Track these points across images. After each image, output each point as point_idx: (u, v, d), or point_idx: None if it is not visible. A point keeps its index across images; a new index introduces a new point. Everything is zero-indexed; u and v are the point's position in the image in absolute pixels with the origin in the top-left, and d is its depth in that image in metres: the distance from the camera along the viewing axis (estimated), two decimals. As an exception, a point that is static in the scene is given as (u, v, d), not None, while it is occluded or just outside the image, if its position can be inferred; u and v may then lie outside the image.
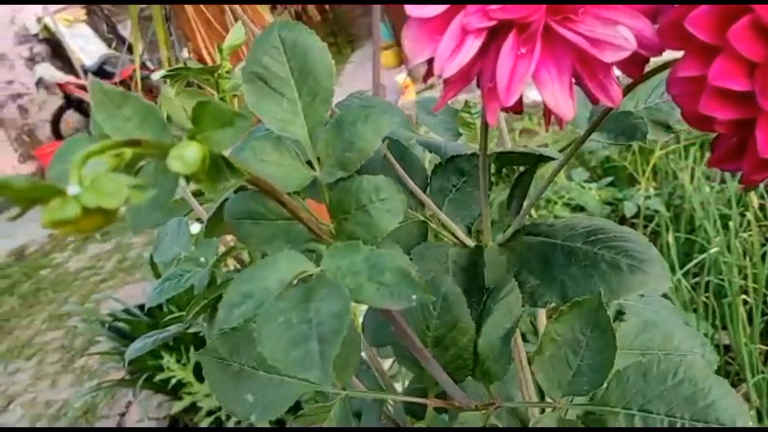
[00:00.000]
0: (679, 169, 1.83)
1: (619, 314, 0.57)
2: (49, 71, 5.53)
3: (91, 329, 2.35)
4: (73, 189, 0.18)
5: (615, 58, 0.28)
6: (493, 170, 0.52)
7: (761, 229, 1.61)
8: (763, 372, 1.33)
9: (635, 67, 0.30)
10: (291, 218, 0.31)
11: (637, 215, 1.81)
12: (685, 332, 0.56)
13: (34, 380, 2.72)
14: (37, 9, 5.57)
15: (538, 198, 0.43)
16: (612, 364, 0.34)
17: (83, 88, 5.16)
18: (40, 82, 5.57)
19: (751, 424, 0.31)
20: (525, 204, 0.43)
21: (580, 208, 1.87)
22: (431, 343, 0.39)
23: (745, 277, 1.46)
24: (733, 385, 1.50)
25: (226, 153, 0.25)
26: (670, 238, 1.56)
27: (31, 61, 5.69)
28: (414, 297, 0.25)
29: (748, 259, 1.48)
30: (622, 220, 1.82)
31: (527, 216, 0.44)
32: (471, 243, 0.45)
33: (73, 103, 5.61)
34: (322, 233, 0.30)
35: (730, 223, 1.48)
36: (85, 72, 5.05)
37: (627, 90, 0.33)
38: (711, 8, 0.26)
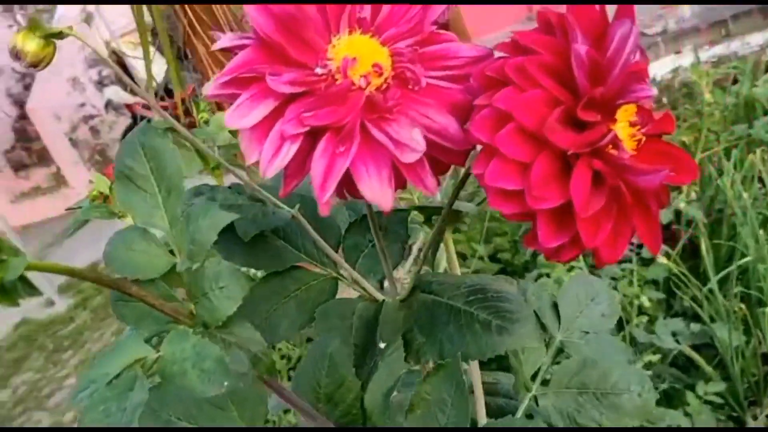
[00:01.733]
0: (719, 174, 1.77)
1: (560, 352, 0.58)
2: (117, 93, 5.81)
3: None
4: None
5: (411, 159, 0.30)
6: (423, 220, 0.55)
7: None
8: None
9: (456, 157, 0.33)
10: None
11: (678, 221, 1.77)
12: (625, 370, 0.57)
13: (102, 392, 2.88)
14: (104, 34, 5.85)
15: (425, 255, 0.45)
16: (467, 423, 0.36)
17: (149, 108, 5.39)
18: (109, 104, 5.87)
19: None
20: (418, 260, 0.45)
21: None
22: (324, 399, 0.42)
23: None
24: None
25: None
26: (704, 246, 1.52)
27: (101, 84, 5.98)
28: (226, 383, 0.29)
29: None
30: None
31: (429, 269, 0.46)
32: (381, 297, 0.47)
33: (140, 122, 5.87)
34: (179, 315, 0.34)
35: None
36: (151, 92, 5.26)
37: (466, 177, 0.35)
38: (490, 112, 0.28)
